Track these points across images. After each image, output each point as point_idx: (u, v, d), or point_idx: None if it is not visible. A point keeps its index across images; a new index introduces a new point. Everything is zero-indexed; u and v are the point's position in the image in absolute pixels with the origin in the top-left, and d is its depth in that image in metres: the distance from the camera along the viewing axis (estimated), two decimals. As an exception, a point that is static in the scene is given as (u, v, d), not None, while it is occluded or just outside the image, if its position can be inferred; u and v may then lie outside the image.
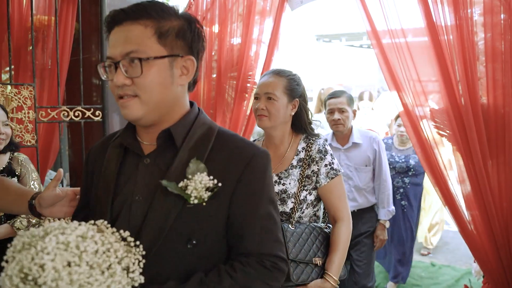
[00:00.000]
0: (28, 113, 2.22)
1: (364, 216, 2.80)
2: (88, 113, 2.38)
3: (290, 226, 1.69)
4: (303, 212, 1.73)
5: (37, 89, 2.30)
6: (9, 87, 2.21)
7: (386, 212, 2.80)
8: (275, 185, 1.73)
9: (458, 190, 1.99)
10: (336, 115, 2.66)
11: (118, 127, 2.70)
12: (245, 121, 2.66)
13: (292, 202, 1.71)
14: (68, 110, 2.33)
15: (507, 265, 1.84)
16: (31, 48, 2.30)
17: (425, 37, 1.95)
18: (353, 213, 2.58)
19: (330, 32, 11.89)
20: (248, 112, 2.65)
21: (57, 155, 2.67)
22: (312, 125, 1.83)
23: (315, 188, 1.75)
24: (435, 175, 2.04)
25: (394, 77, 2.07)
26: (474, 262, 2.10)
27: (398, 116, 3.57)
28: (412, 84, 2.03)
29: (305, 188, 1.73)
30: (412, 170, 3.63)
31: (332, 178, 1.72)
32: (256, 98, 1.80)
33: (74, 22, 2.45)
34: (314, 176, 1.73)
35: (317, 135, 1.82)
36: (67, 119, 2.33)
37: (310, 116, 1.83)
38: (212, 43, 2.72)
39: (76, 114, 2.35)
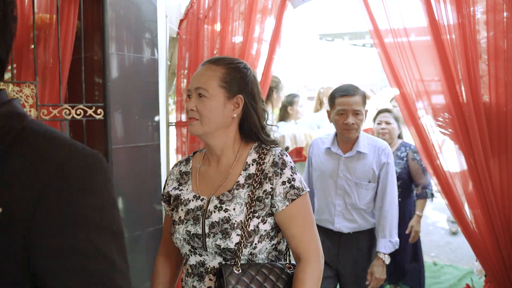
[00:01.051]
0: (30, 111, 2.23)
1: (363, 242, 2.37)
2: (90, 111, 2.38)
3: (235, 269, 1.26)
4: (255, 247, 1.29)
5: (39, 88, 2.31)
6: (11, 85, 2.22)
7: (388, 244, 2.28)
8: (214, 211, 1.31)
9: (460, 189, 1.98)
10: (350, 119, 2.24)
11: (120, 125, 2.71)
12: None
13: (237, 234, 1.27)
14: (70, 108, 2.33)
15: (509, 264, 1.83)
16: (33, 46, 2.30)
17: (428, 36, 1.95)
18: (347, 235, 2.32)
19: (333, 31, 11.90)
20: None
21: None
22: (266, 130, 1.41)
23: (271, 214, 1.32)
24: (437, 174, 2.03)
25: (396, 76, 2.07)
26: (476, 261, 2.09)
27: (379, 113, 3.35)
28: (414, 84, 2.03)
29: (256, 214, 1.30)
30: (399, 179, 3.07)
31: (293, 200, 1.29)
32: (188, 96, 1.39)
33: (75, 20, 2.46)
34: (267, 198, 1.30)
35: (274, 142, 1.40)
36: (69, 117, 2.34)
37: (264, 118, 1.41)
38: (214, 42, 2.72)
39: (78, 112, 2.35)
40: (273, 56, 2.56)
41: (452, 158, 2.01)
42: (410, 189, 3.29)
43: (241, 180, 1.34)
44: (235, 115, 1.35)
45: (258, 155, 1.36)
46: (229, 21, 2.64)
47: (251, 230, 1.28)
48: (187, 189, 1.43)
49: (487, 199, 1.84)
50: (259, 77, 2.61)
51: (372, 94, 5.85)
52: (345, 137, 2.31)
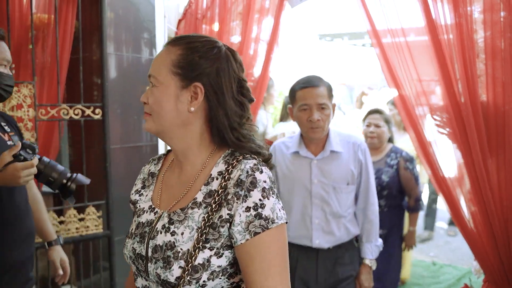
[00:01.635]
0: (28, 111, 2.23)
1: (343, 256, 2.08)
2: (88, 111, 2.38)
3: None
4: (204, 285, 0.98)
5: (37, 87, 2.30)
6: (9, 85, 2.22)
7: (374, 248, 2.12)
8: (161, 232, 1.04)
9: (458, 189, 1.99)
10: (316, 115, 1.96)
11: (119, 125, 2.71)
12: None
13: (180, 267, 0.97)
14: (68, 108, 2.34)
15: (507, 263, 1.83)
16: (31, 46, 2.30)
17: (425, 36, 1.95)
18: (327, 251, 2.04)
19: (333, 31, 11.90)
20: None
21: (57, 154, 2.67)
22: (240, 132, 1.05)
23: (230, 246, 0.99)
24: (435, 174, 2.03)
25: (394, 77, 2.08)
26: (475, 260, 2.09)
27: (368, 114, 3.14)
28: (412, 84, 2.03)
29: (208, 245, 0.98)
30: (386, 189, 2.94)
31: (256, 234, 0.95)
32: None
33: (74, 20, 2.46)
34: (222, 226, 0.98)
35: (251, 149, 1.06)
36: (67, 117, 2.34)
37: (239, 115, 1.05)
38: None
39: (76, 112, 2.35)
40: (271, 55, 2.56)
41: (450, 158, 2.01)
42: (398, 201, 3.04)
43: (199, 197, 1.02)
44: (192, 109, 1.03)
45: (226, 166, 1.03)
46: (227, 21, 2.64)
47: (198, 264, 0.97)
48: (146, 196, 1.17)
49: (485, 199, 1.84)
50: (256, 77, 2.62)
51: (369, 91, 5.84)
52: (311, 137, 2.02)
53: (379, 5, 2.05)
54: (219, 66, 1.03)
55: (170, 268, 0.98)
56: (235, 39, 2.66)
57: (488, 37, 1.82)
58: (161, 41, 2.93)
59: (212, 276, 0.98)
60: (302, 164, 2.07)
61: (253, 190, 0.97)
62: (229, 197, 0.98)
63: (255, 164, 1.00)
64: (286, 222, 1.01)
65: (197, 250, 0.97)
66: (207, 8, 2.75)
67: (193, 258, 0.97)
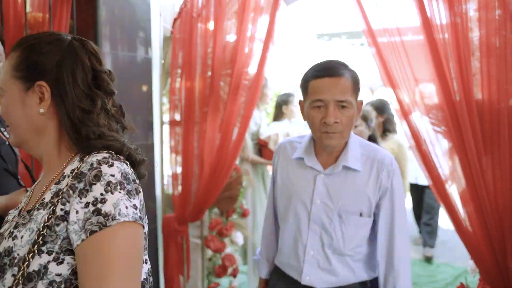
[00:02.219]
0: (22, 110, 2.21)
1: None
2: (82, 111, 2.37)
3: None
4: None
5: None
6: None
7: None
8: (6, 238, 0.91)
9: (453, 187, 1.98)
10: (332, 115, 1.48)
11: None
12: (239, 119, 2.66)
13: (13, 275, 0.84)
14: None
15: (502, 262, 1.83)
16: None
17: (421, 36, 1.95)
18: None
19: (331, 30, 11.89)
20: (242, 111, 2.65)
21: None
22: (86, 127, 0.93)
23: (71, 252, 0.84)
24: (430, 173, 2.03)
25: (390, 76, 2.07)
26: (471, 259, 2.09)
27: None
28: (408, 83, 2.03)
29: (46, 248, 0.84)
30: None
31: (93, 232, 0.81)
32: None
33: (68, 19, 2.44)
34: (58, 224, 0.85)
35: (106, 146, 0.93)
36: (61, 116, 2.32)
37: (84, 109, 0.94)
38: (207, 41, 2.71)
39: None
40: (267, 54, 2.56)
41: (445, 157, 2.01)
42: None
43: (47, 197, 0.90)
44: (42, 110, 0.93)
45: (79, 163, 0.91)
46: (222, 20, 2.63)
47: (33, 271, 0.82)
48: (26, 195, 1.07)
49: (480, 197, 1.84)
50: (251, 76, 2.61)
51: (370, 94, 5.82)
52: (326, 145, 1.54)
53: (374, 4, 2.05)
54: (60, 60, 0.94)
55: (3, 277, 0.85)
56: (230, 38, 2.65)
57: (483, 35, 1.82)
58: (156, 40, 2.92)
59: (50, 287, 0.82)
60: (306, 176, 1.61)
61: (95, 184, 0.84)
62: (64, 190, 0.86)
63: (104, 158, 0.88)
64: (142, 225, 0.88)
65: (31, 255, 0.83)
66: (203, 7, 2.74)
67: (26, 264, 0.82)
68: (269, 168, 3.42)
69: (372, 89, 6.16)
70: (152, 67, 2.91)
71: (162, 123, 3.03)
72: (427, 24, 1.90)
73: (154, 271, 2.99)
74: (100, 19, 2.45)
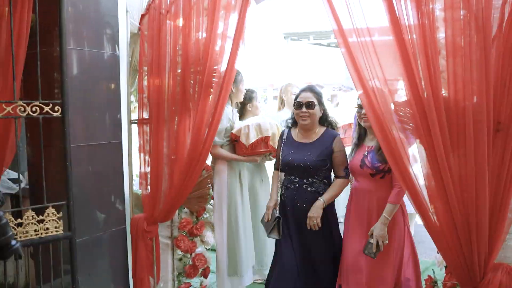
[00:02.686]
0: (-18, 108, 2.12)
1: None
2: (46, 109, 2.29)
3: None
4: None
5: (-8, 84, 2.20)
6: (-40, 81, 2.10)
7: None
8: None
9: (422, 183, 2.02)
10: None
11: (80, 123, 2.62)
12: (210, 117, 2.62)
13: None
14: (25, 105, 2.23)
15: (468, 254, 1.88)
16: (-16, 40, 2.19)
17: (390, 36, 1.97)
18: None
19: (298, 30, 11.98)
20: (213, 109, 2.61)
21: (15, 153, 2.56)
22: None
23: None
24: (399, 170, 2.06)
25: (360, 76, 2.09)
26: (438, 253, 2.14)
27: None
28: (377, 82, 2.05)
29: None
30: None
31: None
32: None
33: (30, 14, 2.35)
34: None
35: None
36: (24, 114, 2.24)
37: None
38: (176, 38, 2.67)
39: (34, 109, 2.25)
40: (237, 52, 2.54)
41: (414, 153, 2.05)
42: None
43: None
44: None
45: None
46: (192, 17, 2.59)
47: None
48: None
49: (447, 192, 1.89)
50: (222, 73, 2.59)
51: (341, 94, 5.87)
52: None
53: (344, 4, 2.06)
54: None
55: None
56: (200, 35, 2.62)
57: (449, 35, 1.86)
58: (124, 37, 2.86)
59: None
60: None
61: None
62: None
63: None
64: None
65: None
66: (171, 3, 2.69)
67: None
68: (245, 166, 3.35)
69: (342, 89, 6.24)
70: (119, 65, 2.84)
71: (130, 121, 2.96)
72: (396, 25, 1.93)
73: (123, 272, 2.93)
74: (64, 14, 2.37)
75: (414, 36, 1.90)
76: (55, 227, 2.37)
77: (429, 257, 4.52)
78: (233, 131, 3.21)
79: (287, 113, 3.60)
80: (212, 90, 2.59)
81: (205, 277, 3.12)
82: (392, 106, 2.06)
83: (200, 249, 3.07)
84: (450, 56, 1.86)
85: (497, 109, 1.80)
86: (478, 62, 1.78)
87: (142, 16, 2.84)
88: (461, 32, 1.84)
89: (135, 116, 3.05)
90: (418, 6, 1.87)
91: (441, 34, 1.89)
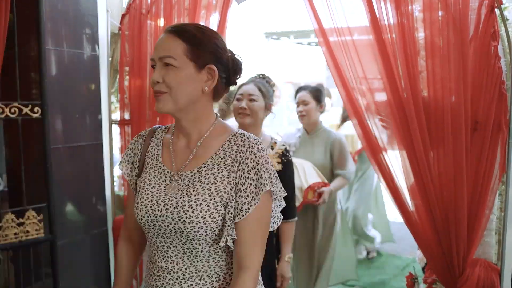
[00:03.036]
0: (-42, 110, 2.07)
1: None
2: (25, 110, 2.25)
3: None
4: None
5: (-32, 85, 2.15)
6: None
7: None
8: None
9: (402, 182, 2.06)
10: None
11: (60, 124, 2.58)
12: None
13: None
14: (4, 106, 2.19)
15: (447, 251, 1.92)
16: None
17: (370, 35, 2.00)
18: None
19: (279, 29, 12.01)
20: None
21: (-8, 155, 2.51)
22: None
23: None
24: (381, 169, 2.09)
25: (341, 75, 2.11)
26: (418, 250, 2.18)
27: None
28: (358, 82, 2.08)
29: None
30: None
31: None
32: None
33: (8, 13, 2.30)
34: None
35: None
36: (3, 116, 2.19)
37: None
38: (157, 38, 2.65)
39: (13, 111, 2.22)
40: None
41: (394, 153, 2.08)
42: None
43: None
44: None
45: None
46: (173, 17, 2.58)
47: None
48: None
49: (427, 191, 1.92)
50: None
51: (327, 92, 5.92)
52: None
53: (325, 4, 2.08)
54: None
55: None
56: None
57: (428, 35, 1.90)
58: (104, 37, 2.82)
59: None
60: None
61: None
62: None
63: None
64: None
65: None
66: (152, 3, 2.67)
67: None
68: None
69: (328, 88, 6.27)
70: (99, 65, 2.81)
71: (111, 122, 2.93)
72: (376, 24, 1.96)
73: (106, 274, 2.90)
74: (42, 13, 2.34)
75: (394, 35, 1.93)
76: (36, 230, 2.34)
77: (410, 254, 4.61)
78: None
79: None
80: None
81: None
82: (373, 106, 2.09)
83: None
84: (429, 56, 1.89)
85: (474, 108, 1.84)
86: (455, 62, 1.82)
87: (123, 16, 2.82)
88: (439, 33, 1.87)
89: (115, 116, 3.02)
90: (397, 6, 1.90)
91: (420, 34, 1.92)
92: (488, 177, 1.84)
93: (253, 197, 1.21)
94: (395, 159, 2.06)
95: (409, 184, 2.00)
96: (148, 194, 1.29)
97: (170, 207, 1.23)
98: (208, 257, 1.25)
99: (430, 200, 1.92)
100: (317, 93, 3.15)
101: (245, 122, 2.19)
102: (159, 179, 1.31)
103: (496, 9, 1.77)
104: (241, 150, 1.25)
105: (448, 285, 1.97)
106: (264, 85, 2.27)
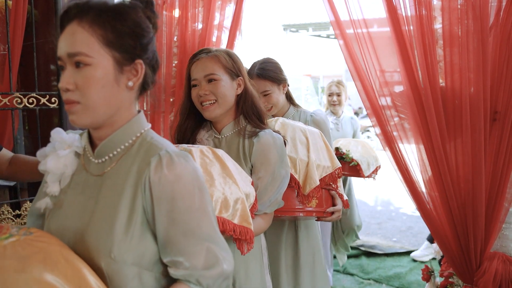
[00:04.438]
0: (-22, 100, 2.11)
1: None
2: (43, 100, 2.29)
3: None
4: None
5: (-12, 76, 2.19)
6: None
7: None
8: None
9: (418, 173, 2.02)
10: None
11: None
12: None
13: None
14: (22, 97, 2.23)
15: (464, 243, 1.89)
16: (-20, 32, 2.18)
17: (387, 27, 1.96)
18: None
19: (297, 22, 11.95)
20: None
21: (13, 145, 2.56)
22: None
23: None
24: (396, 159, 2.06)
25: (358, 68, 2.08)
26: (434, 243, 2.15)
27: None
28: (375, 74, 2.05)
29: None
30: None
31: None
32: None
33: (26, 4, 2.34)
34: None
35: None
36: (21, 106, 2.23)
37: None
38: (172, 29, 2.66)
39: (31, 101, 2.25)
40: (234, 43, 2.53)
41: (411, 144, 2.05)
42: None
43: None
44: None
45: None
46: (189, 8, 2.58)
47: None
48: None
49: (445, 183, 1.89)
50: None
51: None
52: None
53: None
54: None
55: None
56: (196, 26, 2.60)
57: (446, 24, 1.85)
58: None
59: None
60: None
61: None
62: None
63: None
64: None
65: None
66: (168, -6, 2.68)
67: None
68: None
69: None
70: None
71: (127, 113, 2.96)
72: (393, 14, 1.92)
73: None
74: (60, 5, 2.36)
75: (412, 26, 1.89)
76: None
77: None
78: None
79: None
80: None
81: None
82: (390, 98, 2.06)
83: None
84: (447, 45, 1.85)
85: (494, 98, 1.80)
86: (475, 51, 1.78)
87: (139, 7, 2.83)
88: (458, 21, 1.83)
89: (132, 108, 3.04)
90: (415, -5, 1.86)
91: (438, 24, 1.88)
92: (507, 168, 1.80)
93: None
94: (411, 151, 2.02)
95: (426, 176, 1.97)
96: None
97: None
98: None
99: (447, 192, 1.89)
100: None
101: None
102: None
103: (518, -5, 1.72)
104: None
105: (465, 279, 1.94)
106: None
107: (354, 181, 3.90)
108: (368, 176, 3.19)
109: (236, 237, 1.41)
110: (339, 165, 2.07)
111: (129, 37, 1.02)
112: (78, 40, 1.00)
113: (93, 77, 0.99)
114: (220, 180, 1.40)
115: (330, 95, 3.95)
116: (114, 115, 1.05)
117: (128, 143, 1.06)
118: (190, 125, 1.78)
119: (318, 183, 1.91)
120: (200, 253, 1.00)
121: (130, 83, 1.04)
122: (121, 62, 1.02)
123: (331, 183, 2.03)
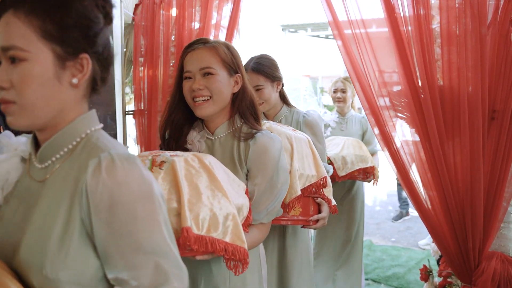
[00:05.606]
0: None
1: None
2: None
3: None
4: None
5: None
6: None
7: None
8: None
9: (416, 173, 2.02)
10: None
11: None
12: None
13: None
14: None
15: (462, 243, 1.88)
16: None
17: (385, 28, 1.96)
18: None
19: (296, 22, 11.95)
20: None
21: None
22: None
23: None
24: (394, 158, 2.05)
25: (356, 68, 2.07)
26: (433, 242, 2.15)
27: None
28: (373, 75, 2.04)
29: None
30: None
31: None
32: None
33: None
34: None
35: None
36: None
37: None
38: (170, 28, 2.65)
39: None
40: (231, 42, 2.52)
41: (408, 143, 2.04)
42: None
43: None
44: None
45: None
46: (186, 7, 2.57)
47: None
48: None
49: (443, 182, 1.88)
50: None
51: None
52: None
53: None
54: None
55: None
56: (194, 25, 2.60)
57: (444, 23, 1.85)
58: (118, 27, 2.84)
59: None
60: None
61: None
62: None
63: None
64: None
65: None
66: (165, -7, 2.67)
67: None
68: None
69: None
70: (114, 55, 2.81)
71: (125, 113, 2.95)
72: (391, 14, 1.91)
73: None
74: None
75: (410, 26, 1.89)
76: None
77: (426, 248, 4.55)
78: None
79: None
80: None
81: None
82: (388, 98, 2.05)
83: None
84: (445, 44, 1.85)
85: (492, 97, 1.79)
86: (473, 49, 1.77)
87: (136, 6, 2.82)
88: (456, 20, 1.82)
89: (130, 107, 3.04)
90: (413, -6, 1.86)
91: (436, 23, 1.87)
92: (505, 167, 1.79)
93: None
94: (410, 150, 2.02)
95: (424, 175, 1.96)
96: None
97: None
98: None
99: (445, 191, 1.88)
100: None
101: None
102: None
103: (516, -7, 1.72)
104: None
105: (464, 278, 1.93)
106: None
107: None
108: (363, 179, 3.14)
109: (228, 257, 1.29)
110: (325, 174, 2.00)
111: (72, 28, 0.90)
112: (12, 32, 0.87)
113: (29, 74, 0.87)
114: (207, 194, 1.28)
115: (335, 91, 3.66)
116: (56, 116, 0.93)
117: (72, 145, 0.94)
118: (178, 121, 1.60)
119: (299, 193, 1.83)
120: (146, 269, 0.87)
121: (75, 80, 0.93)
122: (62, 57, 0.90)
123: (316, 190, 1.97)
